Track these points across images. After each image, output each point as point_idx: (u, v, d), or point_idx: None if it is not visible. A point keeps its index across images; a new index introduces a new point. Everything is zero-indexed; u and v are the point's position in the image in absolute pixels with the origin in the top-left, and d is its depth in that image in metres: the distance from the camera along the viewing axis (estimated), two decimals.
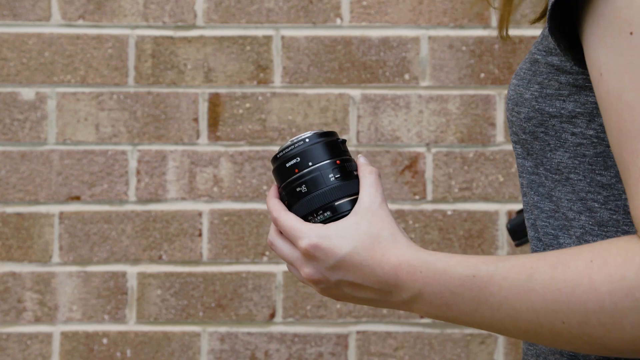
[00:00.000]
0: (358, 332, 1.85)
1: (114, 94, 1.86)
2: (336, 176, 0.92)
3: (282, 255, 0.93)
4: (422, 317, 1.85)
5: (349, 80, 1.87)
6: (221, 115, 1.86)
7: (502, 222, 1.86)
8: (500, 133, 1.86)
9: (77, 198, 1.85)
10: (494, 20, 1.87)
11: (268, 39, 1.87)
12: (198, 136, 1.86)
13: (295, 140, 0.94)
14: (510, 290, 0.77)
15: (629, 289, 0.70)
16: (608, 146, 0.83)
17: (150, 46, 1.87)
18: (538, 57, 0.88)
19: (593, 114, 0.83)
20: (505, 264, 0.79)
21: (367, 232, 0.87)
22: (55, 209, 1.85)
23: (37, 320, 1.84)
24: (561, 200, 0.87)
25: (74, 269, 1.85)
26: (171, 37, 1.87)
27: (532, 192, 0.91)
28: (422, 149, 1.86)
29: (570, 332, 0.74)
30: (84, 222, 1.85)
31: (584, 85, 0.83)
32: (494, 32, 1.88)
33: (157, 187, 1.86)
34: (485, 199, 1.86)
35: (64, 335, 1.84)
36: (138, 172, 1.86)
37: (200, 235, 1.86)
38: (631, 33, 0.72)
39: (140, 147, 1.86)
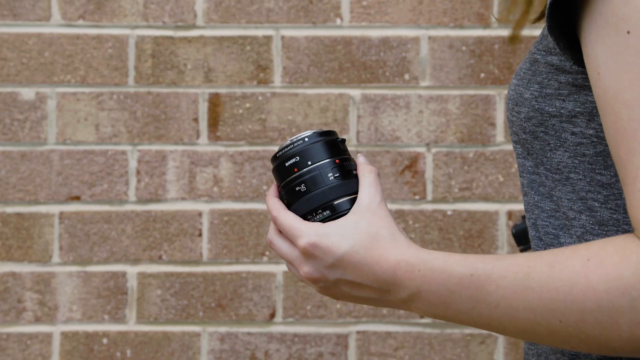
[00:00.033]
0: (358, 332, 1.85)
1: (114, 94, 1.86)
2: (335, 175, 0.92)
3: (281, 254, 0.93)
4: (421, 317, 1.86)
5: (349, 80, 1.87)
6: (221, 115, 1.86)
7: (502, 222, 1.86)
8: (500, 133, 1.87)
9: (77, 198, 1.85)
10: (494, 20, 1.87)
11: (268, 39, 1.87)
12: (198, 136, 1.86)
13: (294, 140, 0.94)
14: (508, 289, 0.77)
15: (625, 287, 0.70)
16: (608, 145, 0.83)
17: (150, 46, 1.87)
18: (538, 56, 0.88)
19: (593, 113, 0.83)
20: (503, 262, 0.79)
21: (365, 231, 0.88)
22: (55, 209, 1.85)
23: (37, 320, 1.84)
24: (561, 199, 0.87)
25: (74, 269, 1.85)
26: (171, 37, 1.87)
27: (533, 192, 0.91)
28: (422, 149, 1.87)
29: (567, 330, 0.74)
30: (84, 222, 1.85)
31: (583, 84, 0.83)
32: (494, 32, 1.88)
33: (157, 187, 1.86)
34: (485, 199, 1.86)
35: (64, 335, 1.84)
36: (138, 172, 1.86)
37: (200, 235, 1.86)
38: (628, 32, 0.72)
39: (140, 147, 1.86)
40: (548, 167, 0.88)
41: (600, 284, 0.71)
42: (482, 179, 1.86)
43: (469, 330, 1.85)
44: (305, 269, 0.90)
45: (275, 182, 0.97)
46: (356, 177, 0.93)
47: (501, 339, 1.85)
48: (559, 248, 0.78)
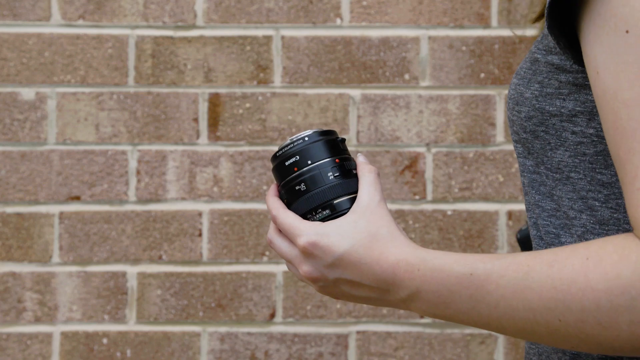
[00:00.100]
0: (358, 332, 1.85)
1: (114, 94, 1.86)
2: (335, 174, 0.92)
3: (281, 253, 0.93)
4: (421, 317, 1.85)
5: (349, 80, 1.87)
6: (221, 115, 1.86)
7: (502, 222, 1.86)
8: (500, 133, 1.87)
9: (77, 198, 1.85)
10: (494, 20, 1.87)
11: (268, 39, 1.87)
12: (198, 136, 1.86)
13: (294, 139, 0.94)
14: (507, 288, 0.77)
15: (624, 286, 0.70)
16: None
17: (150, 46, 1.87)
18: (538, 56, 0.88)
19: (593, 112, 0.83)
20: (502, 262, 0.79)
21: (365, 230, 0.88)
22: (55, 209, 1.85)
23: (37, 320, 1.84)
24: (562, 199, 0.87)
25: (74, 269, 1.85)
26: (171, 37, 1.87)
27: (534, 191, 0.91)
28: (422, 149, 1.87)
29: (567, 330, 0.74)
30: (84, 222, 1.85)
31: (583, 84, 0.83)
32: (494, 32, 1.88)
33: (157, 187, 1.86)
34: (485, 199, 1.86)
35: (64, 335, 1.84)
36: (138, 172, 1.86)
37: (200, 235, 1.86)
38: (627, 31, 0.73)
39: (140, 147, 1.86)
40: (548, 166, 0.89)
41: (599, 283, 0.71)
42: (482, 179, 1.86)
43: (469, 330, 1.85)
44: (305, 268, 0.90)
45: (275, 182, 0.97)
46: (356, 176, 0.93)
47: (501, 339, 1.85)
48: (558, 247, 0.78)
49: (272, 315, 1.85)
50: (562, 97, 0.85)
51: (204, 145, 1.86)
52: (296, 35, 1.87)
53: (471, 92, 1.87)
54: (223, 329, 1.85)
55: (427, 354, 1.85)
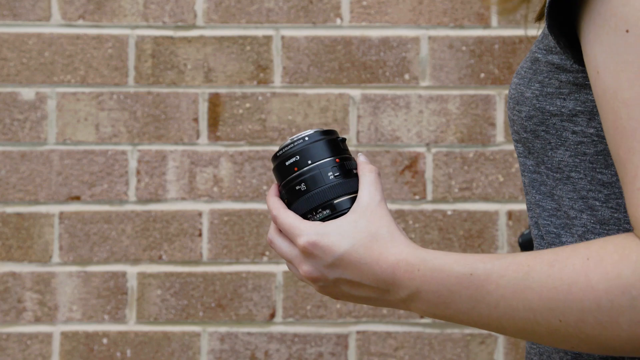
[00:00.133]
0: (358, 332, 1.85)
1: (114, 94, 1.86)
2: (335, 174, 0.92)
3: (281, 253, 0.93)
4: (421, 317, 1.85)
5: (349, 80, 1.87)
6: (221, 115, 1.86)
7: (502, 222, 1.86)
8: (500, 133, 1.86)
9: (77, 198, 1.85)
10: (494, 20, 1.87)
11: (268, 39, 1.87)
12: (198, 136, 1.86)
13: (295, 139, 0.94)
14: (507, 288, 0.77)
15: (625, 286, 0.70)
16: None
17: (150, 46, 1.87)
18: (538, 55, 0.88)
19: (593, 112, 0.83)
20: (502, 262, 0.79)
21: (365, 230, 0.88)
22: (55, 209, 1.85)
23: (37, 320, 1.84)
24: (563, 198, 0.87)
25: (74, 269, 1.85)
26: (171, 37, 1.87)
27: (534, 191, 0.91)
28: (422, 149, 1.87)
29: (567, 330, 0.74)
30: (84, 222, 1.85)
31: (584, 83, 0.83)
32: (494, 32, 1.88)
33: (157, 187, 1.86)
34: (485, 199, 1.86)
35: (64, 335, 1.84)
36: (138, 172, 1.86)
37: (200, 235, 1.86)
38: (627, 31, 0.72)
39: (140, 147, 1.86)
40: (549, 166, 0.88)
41: (600, 283, 0.71)
42: (482, 179, 1.86)
43: (469, 330, 1.85)
44: (305, 268, 0.90)
45: (275, 182, 0.97)
46: (356, 176, 0.93)
47: (501, 339, 1.85)
48: (559, 247, 0.78)
49: (272, 315, 1.85)
50: (563, 96, 0.85)
51: (204, 145, 1.86)
52: (296, 35, 1.87)
53: (471, 92, 1.87)
54: (223, 329, 1.85)
55: (427, 354, 1.85)
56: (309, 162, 0.93)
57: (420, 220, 1.86)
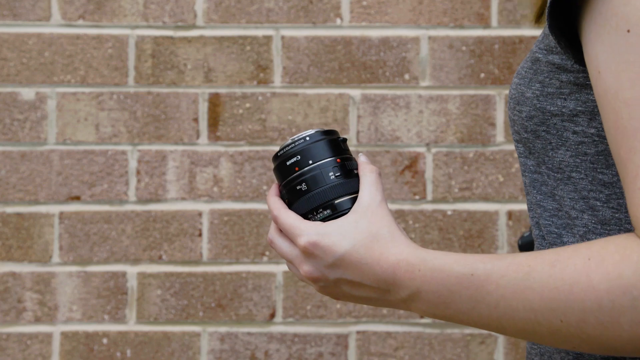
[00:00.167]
0: (358, 332, 1.85)
1: (114, 94, 1.86)
2: (336, 174, 0.92)
3: (282, 253, 0.93)
4: (421, 317, 1.85)
5: (349, 80, 1.87)
6: (221, 115, 1.86)
7: (502, 222, 1.86)
8: (500, 133, 1.86)
9: (77, 198, 1.85)
10: (494, 20, 1.87)
11: (268, 39, 1.87)
12: (198, 136, 1.86)
13: (296, 139, 0.94)
14: (508, 288, 0.77)
15: (626, 286, 0.70)
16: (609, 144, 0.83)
17: (150, 46, 1.87)
18: (539, 55, 0.88)
19: (594, 112, 0.83)
20: (503, 262, 0.79)
21: (366, 231, 0.87)
22: (55, 209, 1.85)
23: (37, 320, 1.84)
24: (564, 198, 0.87)
25: (74, 269, 1.85)
26: (171, 37, 1.87)
27: (535, 191, 0.91)
28: (422, 149, 1.87)
29: (568, 330, 0.74)
30: (84, 222, 1.85)
31: (584, 83, 0.83)
32: (494, 32, 1.88)
33: (157, 187, 1.86)
34: (485, 199, 1.86)
35: (64, 335, 1.84)
36: (138, 172, 1.86)
37: (200, 235, 1.86)
38: (628, 31, 0.72)
39: (140, 147, 1.86)
40: (550, 166, 0.88)
41: (601, 283, 0.71)
42: (482, 179, 1.86)
43: (469, 330, 1.85)
44: (306, 268, 0.90)
45: (276, 182, 0.97)
46: (357, 176, 0.93)
47: (501, 339, 1.85)
48: (559, 247, 0.78)
49: (272, 315, 1.85)
50: (563, 96, 0.85)
51: (204, 145, 1.86)
52: (296, 35, 1.87)
53: (471, 92, 1.87)
54: (223, 329, 1.85)
55: (427, 354, 1.85)
56: (310, 162, 0.93)
57: (420, 220, 1.86)
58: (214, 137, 1.86)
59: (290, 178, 0.93)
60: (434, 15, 1.88)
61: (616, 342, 0.72)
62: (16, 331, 1.84)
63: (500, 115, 1.86)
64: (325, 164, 0.93)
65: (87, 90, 1.86)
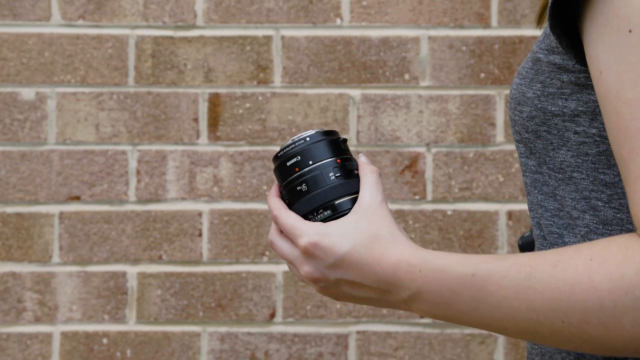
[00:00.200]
0: (358, 332, 1.85)
1: (114, 94, 1.86)
2: (337, 175, 0.92)
3: (282, 254, 0.93)
4: (422, 317, 1.85)
5: (349, 80, 1.87)
6: (221, 115, 1.86)
7: (502, 222, 1.86)
8: (500, 133, 1.86)
9: (77, 198, 1.85)
10: (494, 20, 1.87)
11: (268, 39, 1.87)
12: (198, 136, 1.86)
13: (296, 139, 0.94)
14: (510, 289, 0.77)
15: (628, 287, 0.70)
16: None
17: (150, 46, 1.87)
18: (540, 55, 0.88)
19: (595, 112, 0.83)
20: (505, 262, 0.79)
21: (366, 231, 0.87)
22: (55, 209, 1.85)
23: (37, 320, 1.84)
24: (565, 199, 0.87)
25: (74, 269, 1.85)
26: (171, 37, 1.87)
27: (536, 191, 0.91)
28: (422, 149, 1.86)
29: (570, 331, 0.74)
30: (84, 222, 1.85)
31: (586, 83, 0.82)
32: (494, 32, 1.88)
33: (157, 187, 1.86)
34: (485, 199, 1.86)
35: (64, 335, 1.84)
36: (138, 172, 1.86)
37: (200, 235, 1.86)
38: (630, 31, 0.72)
39: (140, 147, 1.86)
40: (551, 166, 0.88)
41: (603, 284, 0.71)
42: (482, 179, 1.86)
43: (469, 330, 1.85)
44: (306, 268, 0.90)
45: (276, 182, 0.97)
46: (357, 177, 0.93)
47: (501, 339, 1.85)
48: (561, 247, 0.78)
49: (272, 315, 1.85)
50: (565, 97, 0.85)
51: (204, 145, 1.86)
52: (296, 35, 1.87)
53: (471, 92, 1.87)
54: (223, 329, 1.85)
55: (427, 354, 1.85)
56: (310, 162, 0.93)
57: (420, 220, 1.86)
58: (214, 137, 1.86)
59: (290, 179, 0.93)
60: (434, 15, 1.88)
61: (618, 343, 0.72)
62: (16, 331, 1.84)
63: (500, 115, 1.86)
64: (325, 164, 0.93)
65: (87, 90, 1.86)
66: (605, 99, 0.75)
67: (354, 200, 0.91)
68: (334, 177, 0.92)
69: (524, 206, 1.86)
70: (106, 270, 1.85)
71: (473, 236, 1.86)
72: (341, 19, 1.87)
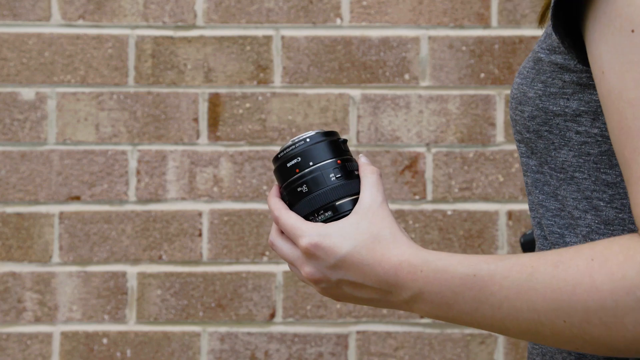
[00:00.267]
0: (358, 332, 1.85)
1: (114, 94, 1.86)
2: (337, 176, 0.92)
3: (283, 255, 0.93)
4: (422, 317, 1.85)
5: (349, 80, 1.87)
6: (221, 115, 1.86)
7: (502, 222, 1.86)
8: (500, 133, 1.86)
9: (77, 198, 1.85)
10: (494, 20, 1.87)
11: (268, 39, 1.87)
12: (198, 136, 1.86)
13: (296, 140, 0.94)
14: (511, 289, 0.77)
15: (630, 287, 0.70)
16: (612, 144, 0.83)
17: (150, 46, 1.87)
18: (541, 55, 0.87)
19: (597, 112, 0.83)
20: (506, 263, 0.79)
21: (367, 232, 0.87)
22: (55, 209, 1.85)
23: (37, 320, 1.84)
24: (566, 199, 0.87)
25: (74, 269, 1.85)
26: (171, 37, 1.87)
27: (537, 191, 0.91)
28: (422, 149, 1.86)
29: (571, 331, 0.74)
30: (84, 222, 1.85)
31: (587, 83, 0.82)
32: (494, 32, 1.87)
33: (157, 187, 1.86)
34: (485, 199, 1.86)
35: (64, 335, 1.84)
36: (138, 172, 1.86)
37: (200, 235, 1.85)
38: (632, 31, 0.72)
39: (140, 147, 1.86)
40: (552, 166, 0.88)
41: (604, 284, 0.71)
42: (482, 179, 1.86)
43: (469, 330, 1.84)
44: (307, 269, 0.90)
45: (276, 183, 0.97)
46: (358, 177, 0.93)
47: (501, 339, 1.85)
48: (563, 248, 0.78)
49: (272, 315, 1.85)
50: (566, 96, 0.85)
51: (204, 145, 1.86)
52: (296, 35, 1.87)
53: (471, 92, 1.87)
54: (223, 329, 1.85)
55: (427, 354, 1.85)
56: (311, 163, 0.93)
57: (420, 220, 1.86)
58: (214, 137, 1.86)
59: (290, 180, 0.93)
60: (434, 15, 1.88)
61: (619, 343, 0.72)
62: (16, 331, 1.84)
63: (500, 115, 1.86)
64: (325, 165, 0.93)
65: (87, 90, 1.86)
66: (607, 99, 0.75)
67: (355, 201, 0.91)
68: (334, 178, 0.92)
69: (524, 206, 1.86)
70: (106, 270, 1.85)
71: (473, 236, 1.86)
72: (341, 19, 1.87)
